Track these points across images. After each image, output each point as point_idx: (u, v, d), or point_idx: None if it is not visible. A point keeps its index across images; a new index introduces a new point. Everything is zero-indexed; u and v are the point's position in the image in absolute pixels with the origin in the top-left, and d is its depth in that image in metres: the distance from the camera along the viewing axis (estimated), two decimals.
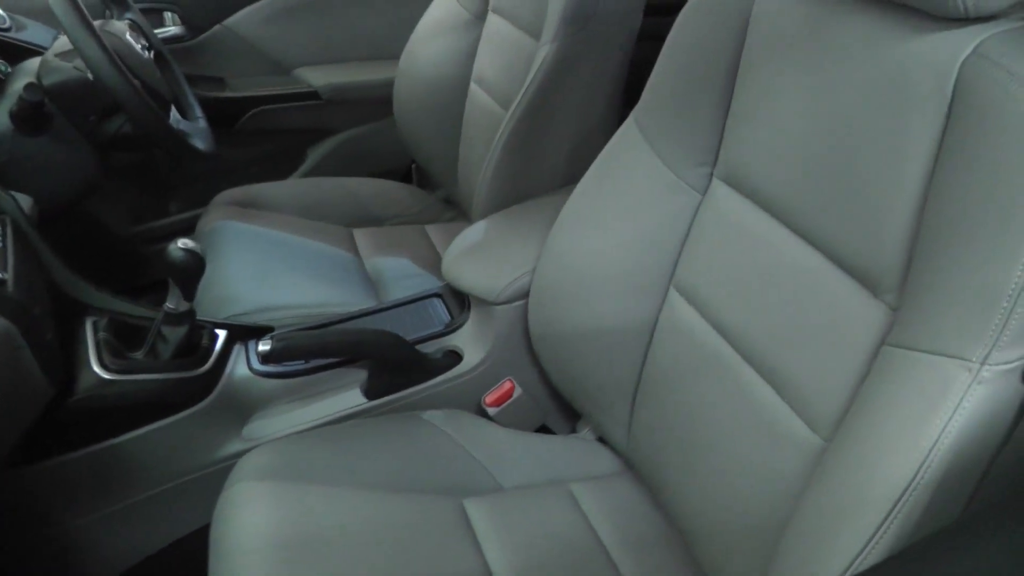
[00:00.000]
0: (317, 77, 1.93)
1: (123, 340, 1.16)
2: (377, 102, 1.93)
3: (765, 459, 0.83)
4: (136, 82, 1.21)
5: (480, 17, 1.57)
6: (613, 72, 1.34)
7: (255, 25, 1.88)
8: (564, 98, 1.32)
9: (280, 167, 2.00)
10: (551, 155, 1.38)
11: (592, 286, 1.04)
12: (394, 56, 1.74)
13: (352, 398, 1.23)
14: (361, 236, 1.62)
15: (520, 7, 1.44)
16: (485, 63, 1.55)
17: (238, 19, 1.86)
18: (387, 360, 1.21)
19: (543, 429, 1.30)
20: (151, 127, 1.20)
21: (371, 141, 2.03)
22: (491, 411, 1.24)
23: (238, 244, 1.49)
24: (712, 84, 0.93)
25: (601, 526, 1.02)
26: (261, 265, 1.44)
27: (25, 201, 1.20)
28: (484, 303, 1.22)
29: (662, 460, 1.00)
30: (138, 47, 1.33)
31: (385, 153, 2.03)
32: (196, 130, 1.43)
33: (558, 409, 1.30)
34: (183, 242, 1.08)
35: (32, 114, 1.20)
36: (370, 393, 1.22)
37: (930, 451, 0.61)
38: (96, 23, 1.30)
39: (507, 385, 1.24)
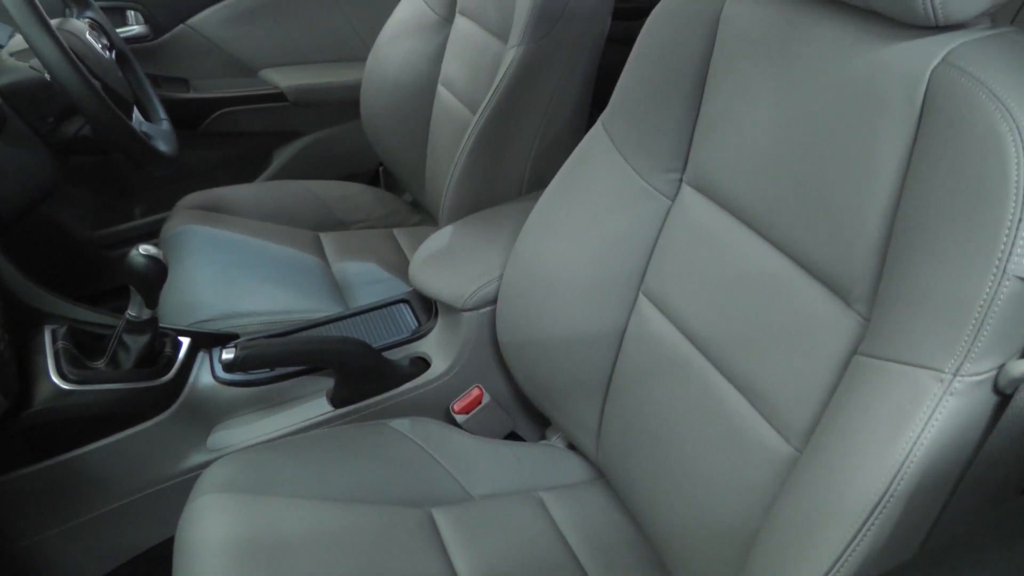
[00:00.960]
0: (283, 78, 1.91)
1: (83, 349, 1.13)
2: (344, 104, 1.91)
3: (736, 468, 0.82)
4: (96, 83, 1.18)
5: (448, 19, 1.56)
6: (581, 76, 1.33)
7: (219, 25, 1.85)
8: (532, 102, 1.31)
9: (245, 170, 1.97)
10: (519, 159, 1.37)
11: (560, 292, 1.03)
12: (361, 58, 1.71)
13: (318, 407, 1.21)
14: (328, 240, 1.60)
15: (487, 9, 1.42)
16: (452, 66, 1.53)
17: (202, 19, 1.82)
18: (353, 368, 1.19)
19: (513, 436, 1.29)
20: (111, 130, 1.17)
21: (338, 144, 2.01)
22: (459, 419, 1.22)
23: (202, 249, 1.46)
24: (680, 89, 0.92)
25: (570, 534, 1.02)
26: (226, 271, 1.41)
27: None
28: (452, 309, 1.20)
29: (631, 467, 0.99)
30: (98, 46, 1.30)
31: (352, 156, 2.01)
32: (159, 132, 1.40)
33: (527, 416, 1.29)
34: (144, 248, 1.05)
35: None
36: (336, 401, 1.21)
37: (902, 464, 0.60)
38: (53, 21, 1.27)
39: (475, 392, 1.23)
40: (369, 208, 1.73)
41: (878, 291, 0.70)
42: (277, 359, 1.16)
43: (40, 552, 1.10)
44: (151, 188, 1.89)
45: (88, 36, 1.28)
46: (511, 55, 1.26)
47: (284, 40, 1.93)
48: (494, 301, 1.16)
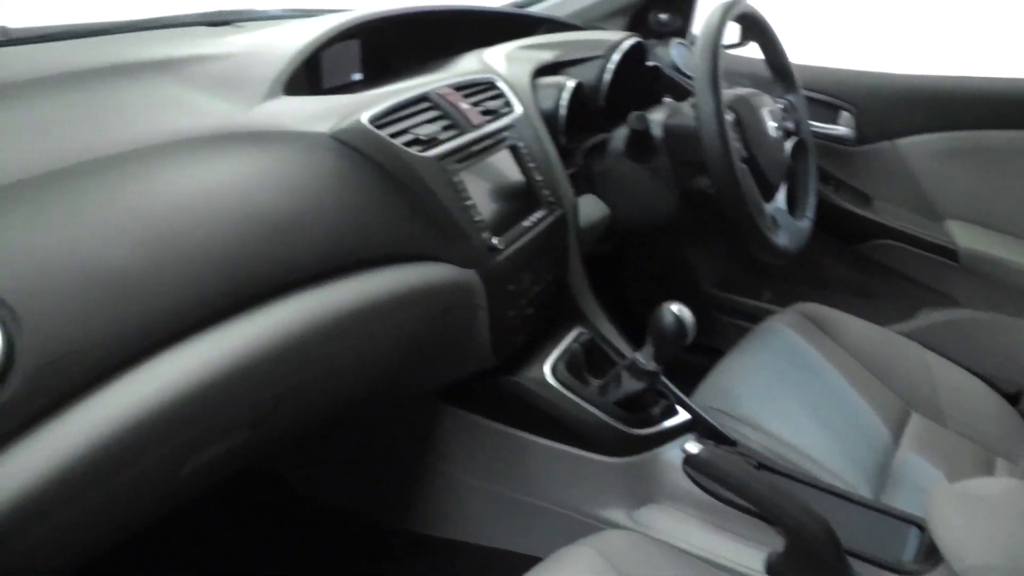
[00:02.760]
0: (965, 237, 1.69)
1: (589, 361, 1.19)
2: None
3: None
4: (739, 151, 1.20)
5: None
6: None
7: (925, 156, 1.70)
8: None
9: (882, 309, 1.78)
10: None
11: None
12: None
13: (751, 558, 1.06)
14: (917, 425, 1.33)
15: None
16: None
17: (910, 143, 1.71)
18: (804, 547, 1.01)
19: None
20: (727, 198, 1.18)
21: (1004, 332, 1.68)
22: None
23: (781, 353, 1.37)
24: None
25: None
26: (782, 382, 1.30)
27: (599, 209, 1.30)
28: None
29: None
30: (772, 124, 1.31)
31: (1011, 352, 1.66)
32: (789, 225, 1.35)
33: None
34: (678, 308, 1.05)
35: (636, 141, 1.27)
36: (773, 569, 1.04)
37: None
38: (744, 89, 1.32)
39: None
40: (989, 415, 1.39)
41: None
42: (731, 483, 1.04)
43: (455, 489, 1.20)
44: (786, 279, 1.86)
45: (765, 111, 1.30)
46: None
47: (984, 196, 1.70)
48: None
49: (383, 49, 1.25)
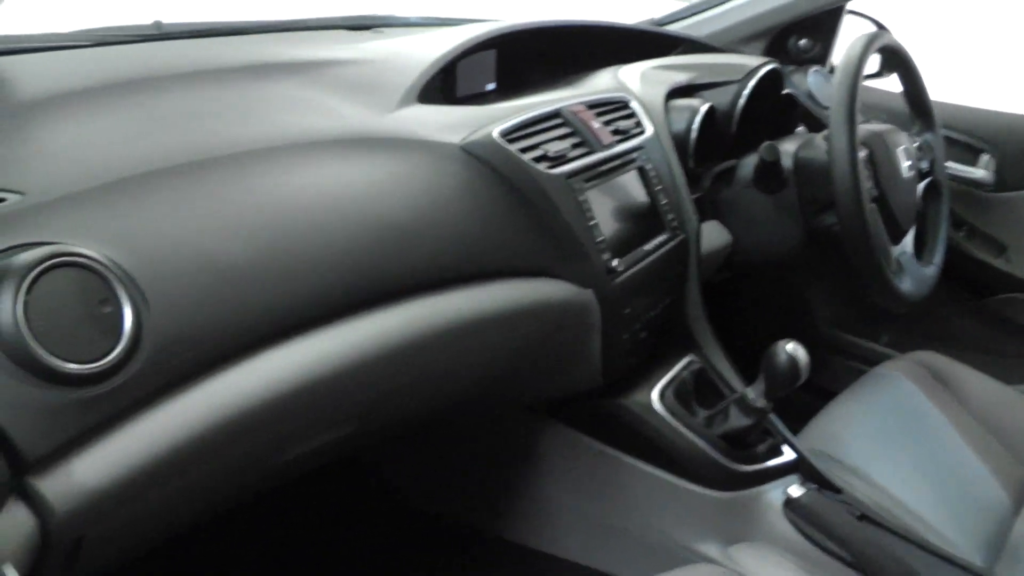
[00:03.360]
0: None
1: (698, 389, 1.17)
2: None
3: None
4: (869, 190, 1.16)
5: None
6: None
7: None
8: None
9: (1007, 369, 1.67)
10: None
11: None
12: None
13: None
14: None
15: None
16: None
17: None
18: None
19: None
20: (852, 238, 1.14)
21: None
22: None
23: (895, 401, 1.31)
24: None
25: None
26: (897, 436, 1.24)
27: (722, 237, 1.28)
28: None
29: None
30: (905, 163, 1.26)
31: None
32: (915, 271, 1.29)
33: None
34: (793, 347, 1.02)
35: (766, 171, 1.24)
36: None
37: None
38: (881, 126, 1.28)
39: None
40: None
41: None
42: (832, 532, 1.02)
43: (549, 503, 1.20)
44: (906, 324, 1.78)
45: (900, 150, 1.25)
46: None
47: None
48: None
49: (519, 60, 1.26)
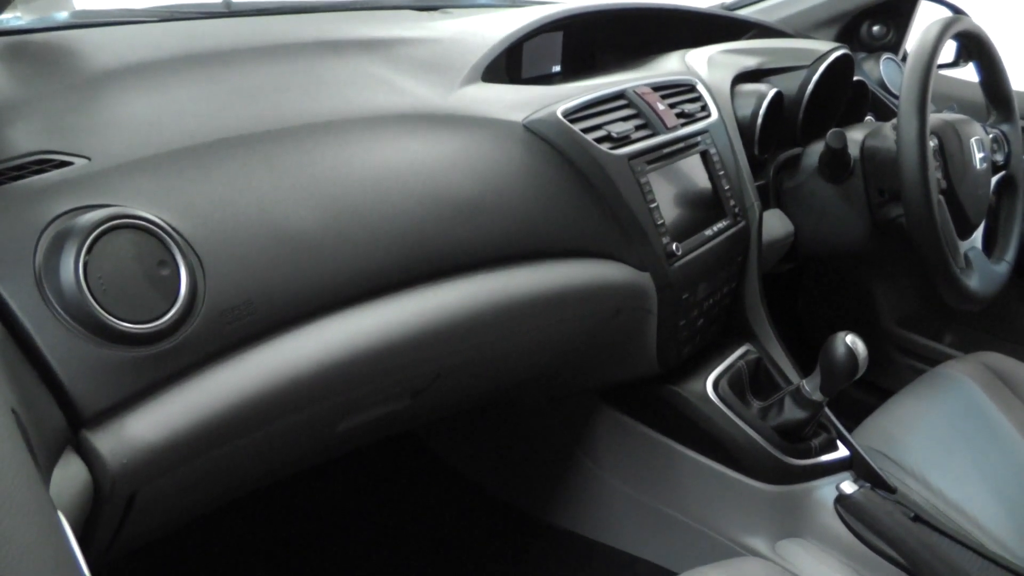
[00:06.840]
0: None
1: (754, 380, 1.16)
2: None
3: None
4: (937, 181, 1.12)
5: None
6: None
7: None
8: None
9: None
10: None
11: None
12: None
13: None
14: None
15: None
16: None
17: None
18: None
19: None
20: (919, 231, 1.11)
21: None
22: None
23: (956, 402, 1.28)
24: None
25: None
26: (956, 438, 1.21)
27: (784, 226, 1.25)
28: None
29: None
30: (978, 155, 1.21)
31: None
32: (983, 268, 1.25)
33: None
34: (852, 340, 1.00)
35: (832, 160, 1.22)
36: None
37: None
38: (954, 115, 1.23)
39: None
40: None
41: None
42: (884, 532, 1.00)
43: (600, 489, 1.19)
44: (972, 324, 1.73)
45: (974, 141, 1.21)
46: None
47: None
48: None
49: (585, 42, 1.25)
